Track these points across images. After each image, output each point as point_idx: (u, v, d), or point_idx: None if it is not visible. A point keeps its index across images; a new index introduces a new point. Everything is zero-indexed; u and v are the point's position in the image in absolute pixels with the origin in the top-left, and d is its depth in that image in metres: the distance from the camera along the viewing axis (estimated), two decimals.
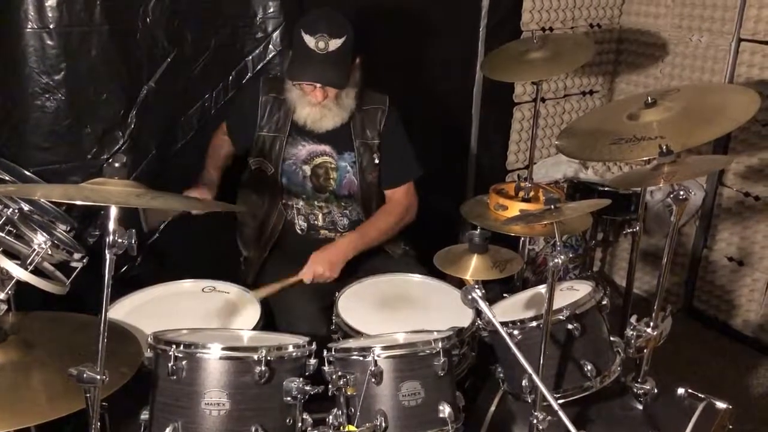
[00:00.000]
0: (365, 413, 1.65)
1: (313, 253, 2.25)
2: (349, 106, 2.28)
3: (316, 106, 2.22)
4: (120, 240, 1.36)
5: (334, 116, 2.25)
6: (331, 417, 1.68)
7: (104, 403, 1.55)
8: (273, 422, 1.60)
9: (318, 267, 2.21)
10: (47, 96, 2.25)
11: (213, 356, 1.58)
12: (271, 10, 2.53)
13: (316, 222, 2.36)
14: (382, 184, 2.44)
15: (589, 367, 1.85)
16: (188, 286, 2.18)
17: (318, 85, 2.17)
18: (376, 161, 2.38)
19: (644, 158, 2.06)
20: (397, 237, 2.46)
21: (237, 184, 2.47)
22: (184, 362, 1.58)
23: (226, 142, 2.43)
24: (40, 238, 1.76)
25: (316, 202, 2.36)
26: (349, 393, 1.66)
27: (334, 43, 2.12)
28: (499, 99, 3.29)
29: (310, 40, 2.11)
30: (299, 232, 2.35)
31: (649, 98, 2.17)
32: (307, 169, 2.34)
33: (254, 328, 1.94)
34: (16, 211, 1.76)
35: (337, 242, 2.31)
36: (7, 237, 1.74)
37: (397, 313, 2.08)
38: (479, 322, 1.96)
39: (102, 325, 1.37)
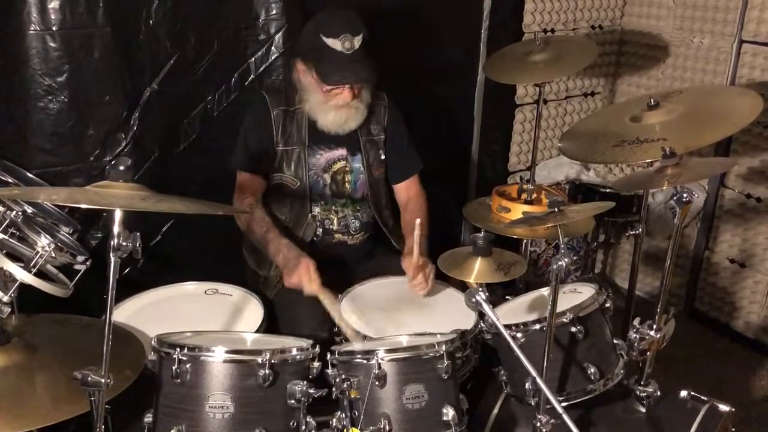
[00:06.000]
0: (369, 416, 1.64)
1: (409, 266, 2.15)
2: (367, 101, 2.29)
3: (341, 109, 2.21)
4: (125, 243, 1.36)
5: (357, 115, 2.26)
6: (334, 420, 1.67)
7: (107, 406, 1.55)
8: (277, 425, 1.60)
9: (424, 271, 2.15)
10: (50, 98, 2.25)
11: (217, 359, 1.58)
12: (274, 12, 2.53)
13: (331, 227, 2.35)
14: (392, 179, 2.45)
15: (592, 370, 1.85)
16: (191, 288, 2.18)
17: (347, 85, 2.17)
18: (382, 157, 2.39)
19: (647, 160, 2.06)
20: (398, 234, 2.46)
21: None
22: (188, 365, 1.57)
23: (256, 179, 2.31)
24: (43, 241, 1.77)
25: (333, 207, 2.35)
26: (352, 396, 1.66)
27: (357, 41, 2.12)
28: (501, 100, 3.29)
29: (335, 43, 2.10)
30: (314, 238, 2.34)
31: (652, 100, 2.17)
32: (327, 177, 2.33)
33: (257, 331, 1.94)
34: (20, 213, 1.76)
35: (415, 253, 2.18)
36: (10, 239, 1.75)
37: (400, 316, 2.08)
38: (482, 324, 1.96)
39: (107, 328, 1.37)
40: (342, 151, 2.33)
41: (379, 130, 2.39)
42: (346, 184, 2.36)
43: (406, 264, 2.16)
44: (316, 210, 2.34)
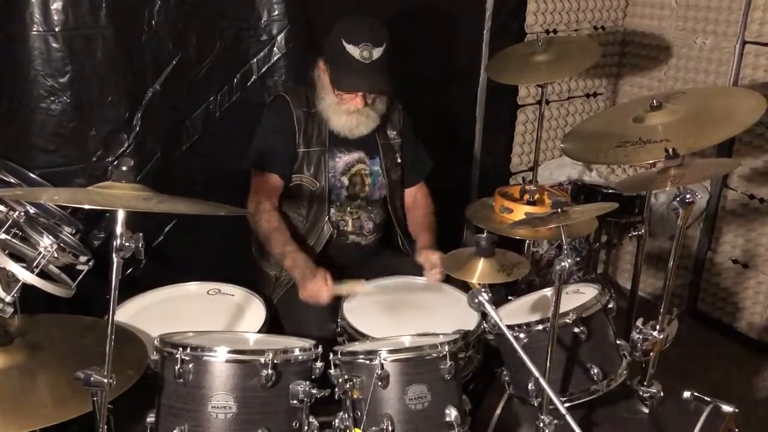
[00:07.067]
0: (371, 417, 1.64)
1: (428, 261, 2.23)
2: (382, 111, 2.31)
3: (353, 114, 2.22)
4: (127, 243, 1.36)
5: (368, 122, 2.27)
6: (337, 420, 1.67)
7: (110, 406, 1.54)
8: (279, 426, 1.60)
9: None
10: (52, 98, 2.26)
11: (219, 359, 1.58)
12: (276, 12, 2.53)
13: (345, 228, 2.36)
14: (406, 182, 2.49)
15: (595, 371, 1.85)
16: (193, 288, 2.18)
17: (360, 93, 2.18)
18: (399, 160, 2.43)
19: (650, 161, 2.05)
20: (410, 236, 2.48)
21: (243, 190, 2.36)
22: (190, 365, 1.58)
23: (275, 179, 2.31)
24: (46, 241, 1.77)
25: (348, 209, 2.37)
26: (355, 396, 1.65)
27: (377, 52, 2.13)
28: (503, 101, 3.29)
29: (354, 50, 2.12)
30: (329, 240, 2.34)
31: (655, 101, 2.17)
32: (345, 179, 2.34)
33: (260, 331, 1.94)
34: (22, 214, 1.76)
35: (432, 248, 2.31)
36: (12, 240, 1.75)
37: (403, 316, 2.08)
38: (485, 325, 1.96)
39: (109, 328, 1.37)
40: (360, 155, 2.35)
41: (395, 135, 2.42)
42: (366, 186, 2.37)
43: (423, 258, 2.25)
44: (332, 211, 2.35)
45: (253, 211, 2.28)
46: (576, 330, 1.84)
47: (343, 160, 2.33)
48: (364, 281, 2.16)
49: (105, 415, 1.39)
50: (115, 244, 1.35)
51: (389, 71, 2.20)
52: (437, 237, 2.40)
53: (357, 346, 1.82)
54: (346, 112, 2.23)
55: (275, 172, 2.31)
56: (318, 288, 2.10)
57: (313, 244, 2.31)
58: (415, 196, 2.54)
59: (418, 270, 2.32)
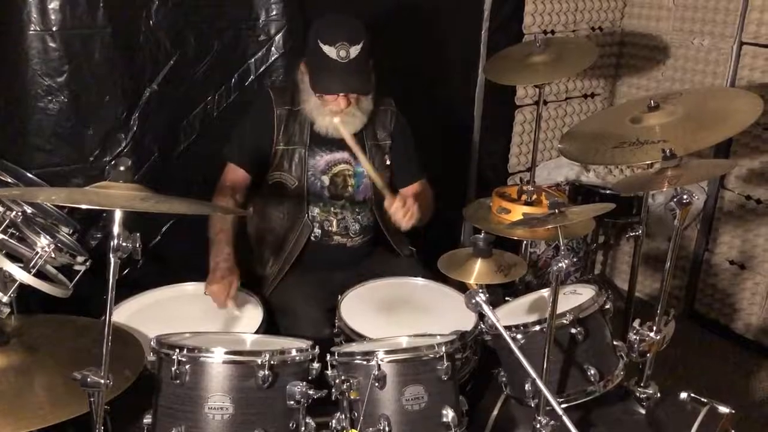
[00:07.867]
0: (368, 417, 1.64)
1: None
2: (368, 109, 2.28)
3: (337, 115, 2.19)
4: (124, 244, 1.36)
5: (354, 121, 2.24)
6: (334, 421, 1.68)
7: (106, 407, 1.54)
8: (276, 426, 1.60)
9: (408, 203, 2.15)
10: (50, 98, 2.26)
11: (216, 360, 1.58)
12: (274, 12, 2.54)
13: (330, 228, 2.35)
14: (398, 183, 2.44)
15: (592, 372, 1.85)
16: (190, 288, 2.18)
17: (342, 93, 2.17)
18: (388, 162, 2.39)
19: (647, 162, 2.06)
20: (404, 237, 2.45)
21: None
22: (187, 366, 1.57)
23: (241, 173, 2.30)
24: (43, 241, 1.76)
25: (332, 209, 2.35)
26: (352, 397, 1.66)
27: (354, 50, 2.11)
28: (501, 102, 3.29)
29: (330, 50, 2.09)
30: (312, 239, 2.33)
31: (652, 102, 2.17)
32: (326, 179, 2.32)
33: (257, 332, 1.94)
34: (19, 213, 1.75)
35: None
36: (9, 240, 1.74)
37: (400, 317, 2.08)
38: (482, 325, 1.96)
39: (106, 328, 1.37)
40: (344, 155, 2.33)
41: (385, 136, 2.39)
42: (348, 187, 2.35)
43: (388, 202, 2.16)
44: (315, 211, 2.33)
45: (213, 199, 2.26)
46: (573, 331, 1.84)
47: (324, 159, 2.31)
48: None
49: (102, 416, 1.39)
50: (112, 244, 1.35)
51: (367, 70, 2.18)
52: (430, 241, 2.36)
53: (354, 347, 1.82)
54: (330, 113, 2.20)
55: (244, 168, 2.29)
56: (218, 291, 2.05)
57: (294, 244, 2.30)
58: (415, 190, 2.46)
59: (411, 270, 2.33)
